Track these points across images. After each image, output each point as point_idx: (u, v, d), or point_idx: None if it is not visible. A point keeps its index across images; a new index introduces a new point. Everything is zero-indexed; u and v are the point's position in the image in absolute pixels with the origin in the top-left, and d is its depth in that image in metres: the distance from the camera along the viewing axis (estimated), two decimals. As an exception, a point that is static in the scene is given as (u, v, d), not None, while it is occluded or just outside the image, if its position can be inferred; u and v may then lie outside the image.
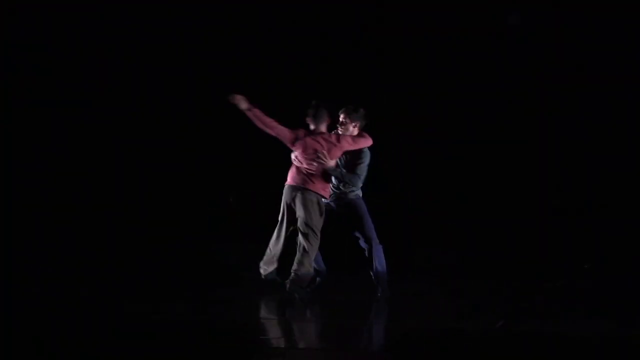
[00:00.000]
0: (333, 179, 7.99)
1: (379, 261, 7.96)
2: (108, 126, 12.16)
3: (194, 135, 12.11)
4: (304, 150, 7.91)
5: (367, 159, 8.02)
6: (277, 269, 8.01)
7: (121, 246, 11.49)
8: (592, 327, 6.66)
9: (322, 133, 7.97)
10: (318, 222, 7.88)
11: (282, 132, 7.96)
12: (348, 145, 7.95)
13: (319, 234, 7.88)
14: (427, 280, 9.09)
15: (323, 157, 7.82)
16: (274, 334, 6.88)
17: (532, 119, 11.62)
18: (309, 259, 7.82)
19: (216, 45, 11.94)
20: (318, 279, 8.02)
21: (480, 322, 6.88)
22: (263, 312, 7.63)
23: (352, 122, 8.06)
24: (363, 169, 8.00)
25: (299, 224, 7.89)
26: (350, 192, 8.02)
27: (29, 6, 11.97)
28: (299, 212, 7.89)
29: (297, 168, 7.95)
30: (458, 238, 11.19)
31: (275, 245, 8.03)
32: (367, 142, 8.03)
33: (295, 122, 8.31)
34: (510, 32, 11.50)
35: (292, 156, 8.00)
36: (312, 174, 7.88)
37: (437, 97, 11.68)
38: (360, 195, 8.11)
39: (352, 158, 8.02)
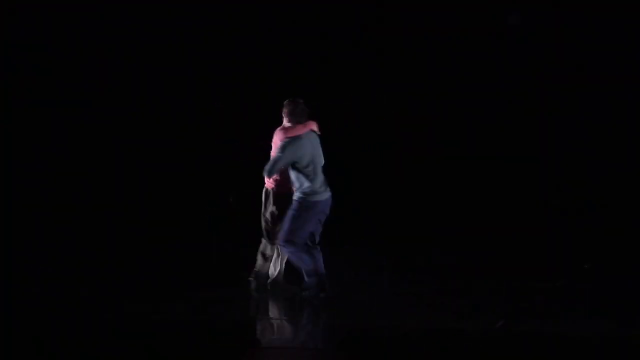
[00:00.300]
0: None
1: (274, 263, 7.94)
2: (108, 126, 12.16)
3: (194, 135, 12.11)
4: None
5: (281, 150, 7.62)
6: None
7: (121, 246, 11.47)
8: (592, 327, 6.65)
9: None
10: (267, 214, 7.90)
11: None
12: (277, 138, 7.80)
13: (271, 228, 7.89)
14: (427, 280, 9.07)
15: None
16: (274, 334, 6.87)
17: (531, 119, 11.62)
18: (260, 257, 7.93)
19: (216, 45, 11.93)
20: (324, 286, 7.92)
21: (480, 322, 6.87)
22: (263, 312, 7.62)
23: (285, 116, 7.88)
24: (274, 158, 7.64)
25: None
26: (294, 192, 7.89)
27: (29, 6, 11.97)
28: None
29: None
30: (458, 238, 11.17)
31: None
32: (280, 135, 7.73)
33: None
34: (510, 32, 11.50)
35: None
36: None
37: (437, 97, 11.67)
38: (300, 197, 7.71)
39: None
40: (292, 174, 7.69)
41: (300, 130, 7.65)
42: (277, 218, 7.80)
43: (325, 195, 7.77)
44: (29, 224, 11.78)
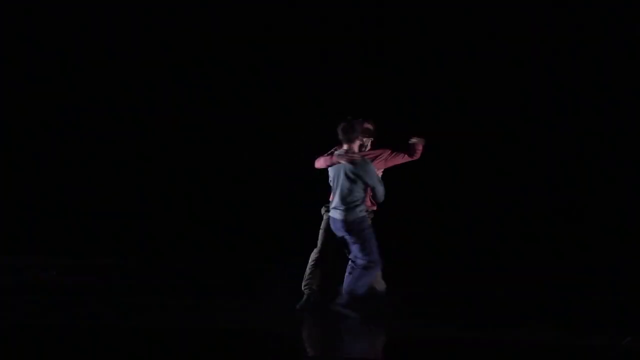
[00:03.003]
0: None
1: None
2: (117, 133, 12.20)
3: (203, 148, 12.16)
4: None
5: None
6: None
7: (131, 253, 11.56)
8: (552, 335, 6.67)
9: None
10: None
11: None
12: None
13: None
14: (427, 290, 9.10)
15: None
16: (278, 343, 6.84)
17: (531, 120, 11.65)
18: None
19: (219, 48, 11.96)
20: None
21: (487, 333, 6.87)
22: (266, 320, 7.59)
23: None
24: None
25: None
26: None
27: (29, 7, 11.99)
28: None
29: None
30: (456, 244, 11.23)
31: None
32: None
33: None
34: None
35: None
36: None
37: (433, 98, 11.65)
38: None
39: None
40: None
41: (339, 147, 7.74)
42: None
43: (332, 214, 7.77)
44: (31, 224, 11.89)
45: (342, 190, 7.59)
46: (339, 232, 7.64)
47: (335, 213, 7.63)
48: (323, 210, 7.86)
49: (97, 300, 8.30)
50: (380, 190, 7.54)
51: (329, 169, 7.67)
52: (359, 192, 7.54)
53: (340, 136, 7.57)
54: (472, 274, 10.07)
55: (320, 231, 7.82)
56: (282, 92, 11.85)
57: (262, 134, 11.90)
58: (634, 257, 10.49)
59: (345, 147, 7.59)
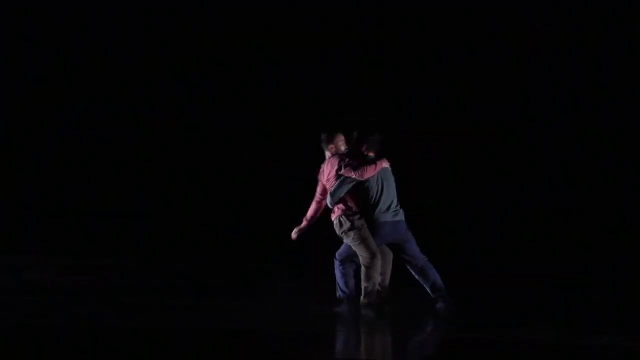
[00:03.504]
0: None
1: None
2: (117, 133, 12.20)
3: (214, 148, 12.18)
4: None
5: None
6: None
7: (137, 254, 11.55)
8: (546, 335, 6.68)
9: None
10: None
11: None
12: None
13: None
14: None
15: None
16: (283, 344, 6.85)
17: (531, 120, 11.64)
18: None
19: (219, 48, 11.96)
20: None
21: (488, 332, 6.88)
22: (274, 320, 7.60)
23: None
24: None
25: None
26: None
27: (28, 7, 11.99)
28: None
29: None
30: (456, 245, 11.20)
31: None
32: None
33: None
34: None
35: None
36: None
37: (433, 98, 11.66)
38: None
39: None
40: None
41: None
42: None
43: None
44: (34, 225, 11.88)
45: (394, 193, 7.51)
46: (398, 234, 7.49)
47: (398, 215, 7.50)
48: (357, 217, 7.42)
49: (97, 300, 8.31)
50: None
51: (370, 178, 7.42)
52: None
53: (378, 143, 7.52)
54: (472, 274, 10.03)
55: (370, 239, 7.37)
56: (282, 92, 11.86)
57: (262, 134, 11.94)
58: (634, 257, 10.47)
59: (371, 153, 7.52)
